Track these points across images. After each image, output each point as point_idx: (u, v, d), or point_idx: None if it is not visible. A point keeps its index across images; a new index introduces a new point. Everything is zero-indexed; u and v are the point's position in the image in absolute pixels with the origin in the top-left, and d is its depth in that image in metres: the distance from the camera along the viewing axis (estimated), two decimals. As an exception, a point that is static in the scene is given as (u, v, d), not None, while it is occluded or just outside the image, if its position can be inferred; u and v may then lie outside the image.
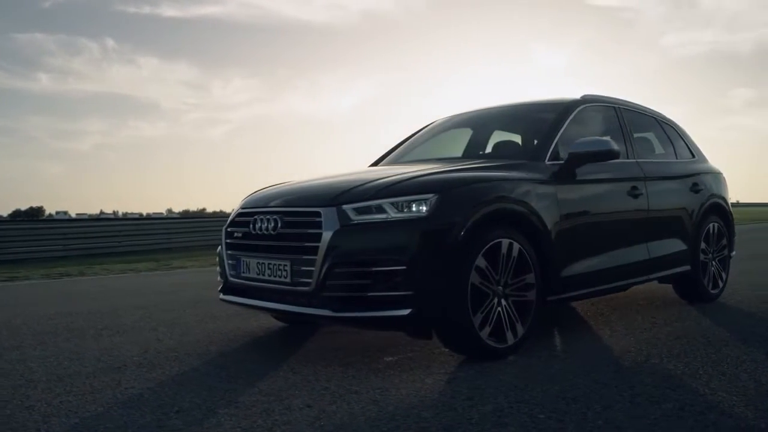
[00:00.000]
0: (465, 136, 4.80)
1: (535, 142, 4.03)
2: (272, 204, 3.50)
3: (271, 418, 2.46)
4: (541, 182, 3.61)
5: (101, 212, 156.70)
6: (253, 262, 3.47)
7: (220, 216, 31.55)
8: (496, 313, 3.25)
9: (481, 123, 4.80)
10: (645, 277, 4.40)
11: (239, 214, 3.72)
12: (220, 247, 3.90)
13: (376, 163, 4.96)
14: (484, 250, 3.19)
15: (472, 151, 4.55)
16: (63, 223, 25.36)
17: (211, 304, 5.52)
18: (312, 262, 3.13)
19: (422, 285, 3.01)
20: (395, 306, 3.01)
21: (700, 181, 5.01)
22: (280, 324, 4.42)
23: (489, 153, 4.41)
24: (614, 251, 4.08)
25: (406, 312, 3.00)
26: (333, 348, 3.67)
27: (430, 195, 3.13)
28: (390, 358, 3.39)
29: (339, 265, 3.07)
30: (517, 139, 4.52)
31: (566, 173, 3.79)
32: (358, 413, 2.49)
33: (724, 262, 5.22)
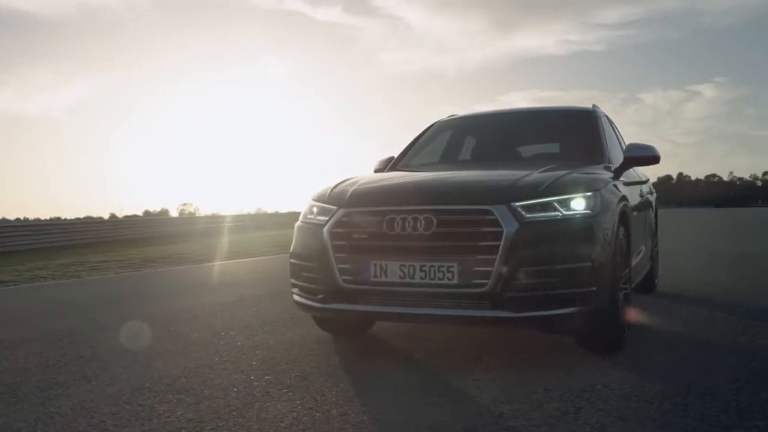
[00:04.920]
0: (482, 140, 4.89)
1: (585, 146, 4.30)
2: (413, 202, 3.23)
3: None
4: (618, 183, 3.90)
5: None
6: (393, 265, 3.16)
7: None
8: (621, 306, 3.46)
9: (498, 127, 4.94)
10: (646, 272, 4.97)
11: (349, 214, 3.36)
12: (305, 252, 3.49)
13: (391, 167, 4.70)
14: (619, 244, 3.39)
15: (508, 153, 4.66)
16: None
17: (181, 315, 4.80)
18: (490, 262, 3.00)
19: (600, 280, 3.09)
20: (578, 303, 3.04)
21: (650, 185, 5.79)
22: (321, 333, 4.02)
23: (543, 155, 4.58)
24: (641, 248, 4.57)
25: (588, 308, 3.05)
26: (441, 351, 3.53)
27: (590, 193, 3.21)
28: (523, 356, 3.39)
29: (524, 264, 2.99)
30: (545, 142, 4.75)
31: (618, 175, 4.14)
32: (621, 412, 2.49)
33: (657, 257, 6.10)
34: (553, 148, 4.71)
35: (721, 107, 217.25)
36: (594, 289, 3.05)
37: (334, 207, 3.44)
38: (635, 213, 4.25)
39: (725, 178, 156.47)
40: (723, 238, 15.25)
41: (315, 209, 3.62)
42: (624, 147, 5.11)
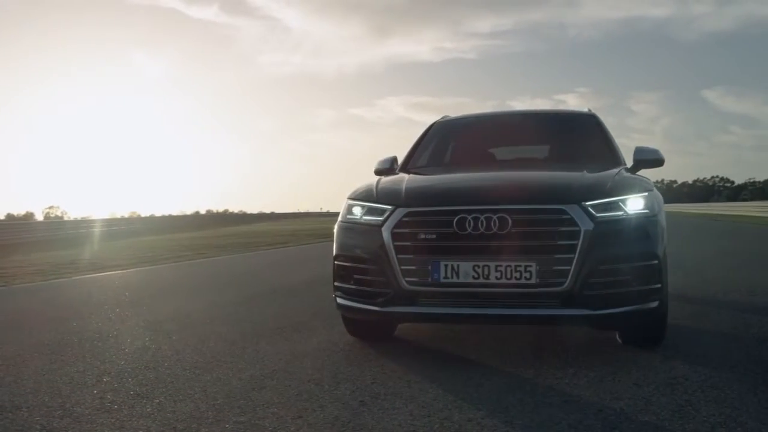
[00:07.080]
0: (489, 141, 4.91)
1: (598, 149, 4.45)
2: (485, 201, 3.18)
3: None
4: None
5: None
6: (466, 265, 3.09)
7: None
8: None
9: (503, 129, 4.98)
10: None
11: (413, 213, 3.25)
12: (357, 254, 3.36)
13: (401, 168, 4.54)
14: None
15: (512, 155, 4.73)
16: None
17: (171, 323, 4.45)
18: (568, 261, 3.02)
19: (663, 277, 3.21)
20: (648, 299, 3.13)
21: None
22: (344, 337, 3.87)
23: (558, 156, 4.66)
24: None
25: (655, 304, 3.16)
26: (487, 352, 3.51)
27: (647, 193, 3.33)
28: (573, 353, 3.45)
29: (602, 263, 3.04)
30: (553, 144, 4.85)
31: None
32: (730, 403, 2.60)
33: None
34: (565, 150, 4.76)
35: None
36: (659, 285, 3.16)
37: (390, 207, 3.32)
38: None
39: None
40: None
41: (358, 209, 3.50)
42: None
